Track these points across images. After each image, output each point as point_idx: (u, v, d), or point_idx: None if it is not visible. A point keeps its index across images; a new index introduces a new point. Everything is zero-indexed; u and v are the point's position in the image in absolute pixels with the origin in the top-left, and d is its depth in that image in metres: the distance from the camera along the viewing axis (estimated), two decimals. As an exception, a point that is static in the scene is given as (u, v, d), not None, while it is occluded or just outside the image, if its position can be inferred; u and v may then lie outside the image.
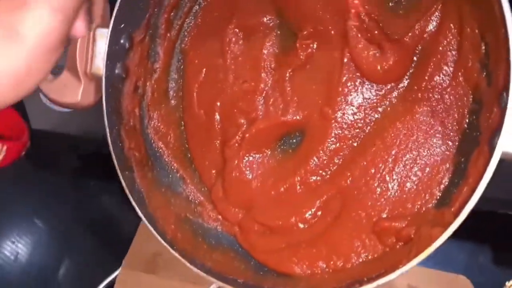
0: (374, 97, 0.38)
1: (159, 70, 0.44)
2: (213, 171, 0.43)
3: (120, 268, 0.63)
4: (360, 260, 0.35)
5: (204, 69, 0.43)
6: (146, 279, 0.61)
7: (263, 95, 0.41)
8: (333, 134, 0.39)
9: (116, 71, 0.40)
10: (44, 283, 0.65)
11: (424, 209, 0.36)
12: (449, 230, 0.29)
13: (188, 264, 0.38)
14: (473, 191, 0.30)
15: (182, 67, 0.45)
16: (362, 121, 0.39)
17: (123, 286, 0.61)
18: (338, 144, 0.39)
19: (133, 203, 0.39)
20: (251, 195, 0.41)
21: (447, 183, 0.35)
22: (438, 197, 0.35)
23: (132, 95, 0.42)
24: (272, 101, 0.40)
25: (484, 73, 0.32)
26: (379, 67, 0.37)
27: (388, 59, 0.36)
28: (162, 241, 0.39)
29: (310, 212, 0.39)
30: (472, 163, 0.31)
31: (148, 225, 0.39)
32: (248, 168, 0.41)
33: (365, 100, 0.38)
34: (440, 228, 0.30)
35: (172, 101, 0.45)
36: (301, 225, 0.39)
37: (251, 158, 0.41)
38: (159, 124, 0.44)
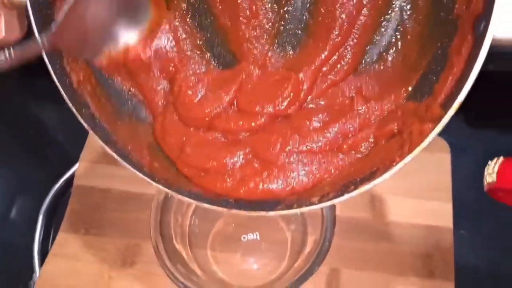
0: None
1: (88, -16, 0.38)
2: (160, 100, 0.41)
3: (78, 163, 0.61)
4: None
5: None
6: (108, 170, 0.60)
7: None
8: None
9: (41, -4, 0.34)
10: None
11: (394, 107, 0.35)
12: (440, 125, 0.29)
13: (175, 194, 0.37)
14: (458, 81, 0.30)
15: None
16: None
17: (83, 179, 0.60)
18: None
19: (101, 143, 0.36)
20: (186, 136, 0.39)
21: (418, 76, 0.35)
22: (409, 92, 0.35)
23: (66, 20, 0.36)
24: None
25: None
26: None
27: None
28: (143, 176, 0.37)
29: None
30: (453, 50, 0.31)
31: (123, 162, 0.36)
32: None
33: None
34: (430, 123, 0.30)
35: (111, 18, 0.40)
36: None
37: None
38: (103, 48, 0.39)
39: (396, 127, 0.34)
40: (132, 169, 0.37)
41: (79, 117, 0.36)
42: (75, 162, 0.61)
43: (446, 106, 0.30)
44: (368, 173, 0.33)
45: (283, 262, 0.54)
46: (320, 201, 0.34)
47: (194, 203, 0.36)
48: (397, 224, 0.55)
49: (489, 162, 0.29)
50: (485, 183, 0.29)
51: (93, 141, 0.60)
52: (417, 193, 0.56)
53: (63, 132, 0.67)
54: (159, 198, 0.49)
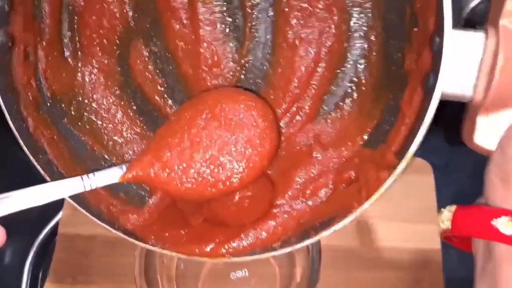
0: None
1: (49, 30, 0.38)
2: None
3: (61, 211, 0.59)
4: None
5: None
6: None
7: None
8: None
9: (0, 40, 0.34)
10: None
11: (350, 154, 0.37)
12: (396, 173, 0.31)
13: (136, 242, 0.36)
14: (410, 131, 0.32)
15: (75, 24, 0.39)
16: None
17: (68, 227, 0.58)
18: None
19: (59, 190, 0.35)
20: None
21: (372, 125, 0.36)
22: (364, 140, 0.37)
23: (24, 64, 0.36)
24: None
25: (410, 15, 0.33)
26: None
27: None
28: (101, 223, 0.36)
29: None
30: (405, 102, 0.33)
31: (81, 209, 0.36)
32: None
33: None
34: (386, 171, 0.31)
35: (71, 63, 0.39)
36: None
37: None
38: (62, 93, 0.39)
39: (353, 174, 0.35)
40: (90, 216, 0.36)
41: (34, 162, 0.35)
42: (59, 210, 0.59)
43: (400, 154, 0.31)
44: (328, 219, 0.34)
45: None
46: (281, 247, 0.35)
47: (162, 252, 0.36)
48: (385, 250, 0.55)
49: (442, 209, 0.30)
50: (440, 230, 0.30)
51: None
52: (403, 216, 0.56)
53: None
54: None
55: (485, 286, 0.28)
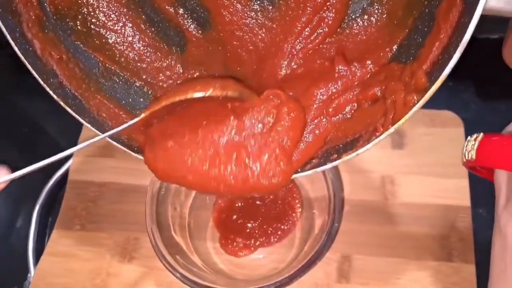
0: None
1: None
2: None
3: (71, 158, 0.59)
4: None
5: None
6: (103, 163, 0.58)
7: None
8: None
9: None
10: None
11: (377, 68, 0.34)
12: (425, 98, 0.28)
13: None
14: (445, 49, 0.28)
15: None
16: None
17: (78, 174, 0.58)
18: None
19: (74, 115, 0.35)
20: None
21: (403, 34, 0.33)
22: (393, 52, 0.33)
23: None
24: None
25: None
26: None
27: None
28: (125, 149, 0.36)
29: None
30: (441, 12, 0.29)
31: (100, 133, 0.35)
32: None
33: None
34: (415, 94, 0.29)
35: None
36: None
37: None
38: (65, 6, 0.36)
39: (379, 91, 0.33)
40: (114, 143, 0.36)
41: (47, 88, 0.34)
42: (69, 157, 0.59)
43: (431, 76, 0.28)
44: (351, 140, 0.33)
45: (292, 250, 0.51)
46: (302, 170, 0.34)
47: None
48: (410, 205, 0.52)
49: (469, 138, 0.28)
50: (464, 159, 0.28)
51: (88, 135, 0.59)
52: (430, 171, 0.52)
53: (56, 127, 0.64)
54: (154, 188, 0.47)
55: (510, 216, 0.27)
